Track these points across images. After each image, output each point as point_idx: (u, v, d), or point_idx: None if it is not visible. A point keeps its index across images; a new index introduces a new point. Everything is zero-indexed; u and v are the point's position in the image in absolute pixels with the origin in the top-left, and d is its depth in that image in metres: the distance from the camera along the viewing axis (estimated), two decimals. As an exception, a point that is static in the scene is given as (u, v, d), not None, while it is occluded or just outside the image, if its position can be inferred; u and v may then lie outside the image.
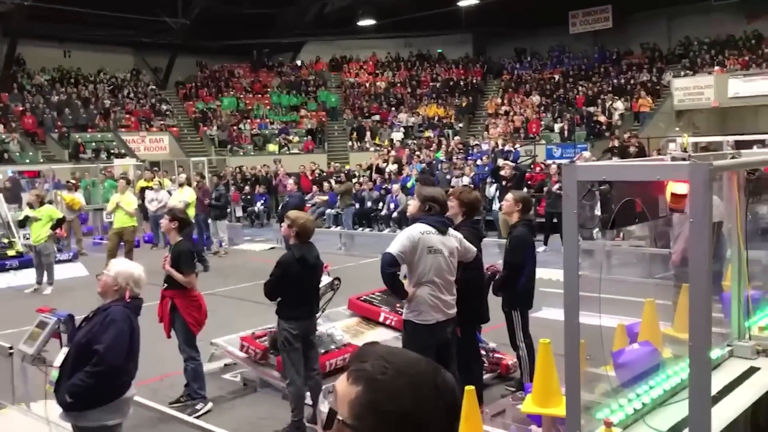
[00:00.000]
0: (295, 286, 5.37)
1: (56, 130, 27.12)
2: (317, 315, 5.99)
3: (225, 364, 7.11)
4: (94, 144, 27.08)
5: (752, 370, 3.75)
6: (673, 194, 3.00)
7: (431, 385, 1.06)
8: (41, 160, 24.48)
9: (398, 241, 4.78)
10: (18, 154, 25.01)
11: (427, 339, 4.79)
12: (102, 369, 3.70)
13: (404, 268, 4.90)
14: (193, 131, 30.93)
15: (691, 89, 23.72)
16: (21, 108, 27.49)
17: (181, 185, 14.35)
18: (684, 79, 24.62)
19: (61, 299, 10.11)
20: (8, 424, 5.75)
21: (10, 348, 5.58)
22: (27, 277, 11.89)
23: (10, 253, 13.41)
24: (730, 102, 22.66)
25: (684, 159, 3.13)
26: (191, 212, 13.58)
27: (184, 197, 13.76)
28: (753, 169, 3.90)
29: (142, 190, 17.36)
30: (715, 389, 3.49)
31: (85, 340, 3.76)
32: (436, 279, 4.76)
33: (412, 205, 5.30)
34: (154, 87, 33.06)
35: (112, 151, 26.61)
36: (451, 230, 5.01)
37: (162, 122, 30.19)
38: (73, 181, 17.07)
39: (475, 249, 5.19)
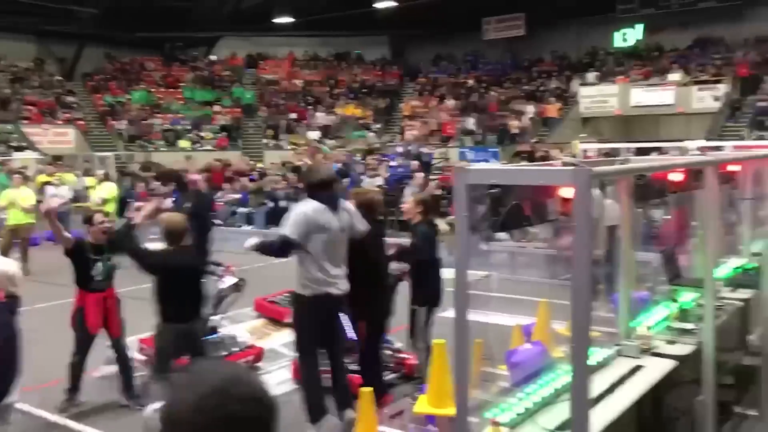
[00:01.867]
0: (172, 289, 5.23)
1: (-51, 121, 25.57)
2: (212, 318, 5.90)
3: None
4: (-9, 136, 25.64)
5: (637, 368, 3.92)
6: (562, 198, 3.09)
7: (218, 395, 1.04)
8: (-69, 152, 22.99)
9: (290, 221, 4.85)
10: None
11: (314, 313, 4.91)
12: None
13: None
14: (100, 125, 29.74)
15: (596, 97, 24.72)
16: None
17: (100, 181, 13.88)
18: (590, 87, 25.63)
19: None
20: None
21: None
22: None
23: None
24: (632, 111, 23.75)
25: (574, 165, 3.23)
26: (111, 208, 13.03)
27: (102, 193, 13.31)
28: (640, 175, 4.07)
29: (44, 185, 16.59)
30: (602, 387, 3.63)
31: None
32: (325, 254, 4.84)
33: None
34: (59, 78, 31.59)
35: (11, 144, 25.26)
36: (344, 204, 5.07)
37: (67, 115, 28.88)
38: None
39: (365, 226, 5.23)
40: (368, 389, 3.62)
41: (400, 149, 21.93)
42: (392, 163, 19.63)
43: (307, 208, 4.88)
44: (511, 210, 2.66)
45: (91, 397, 6.15)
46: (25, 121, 27.39)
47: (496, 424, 2.79)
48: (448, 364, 3.70)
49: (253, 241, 5.04)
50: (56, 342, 6.46)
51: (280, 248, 4.91)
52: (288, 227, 4.82)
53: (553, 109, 25.87)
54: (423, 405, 3.71)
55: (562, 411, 3.26)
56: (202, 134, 29.41)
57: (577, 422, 2.52)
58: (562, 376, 3.57)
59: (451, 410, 3.26)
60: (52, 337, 6.63)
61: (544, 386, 3.42)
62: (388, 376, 6.10)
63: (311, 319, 4.98)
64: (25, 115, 27.81)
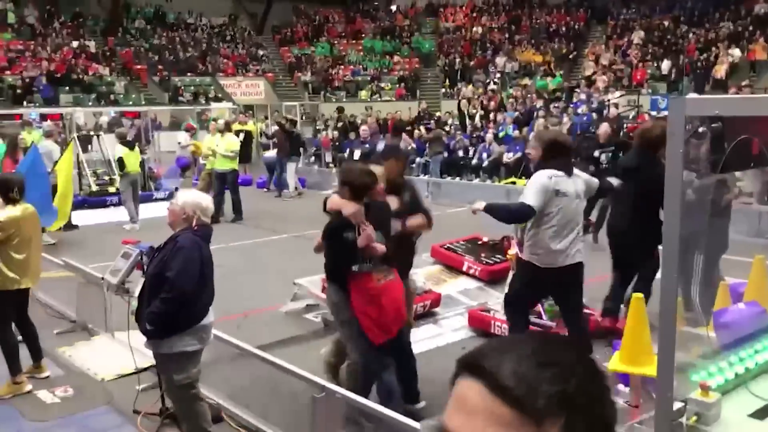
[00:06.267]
0: None
1: (157, 74, 28.00)
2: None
3: (307, 305, 7.14)
4: (192, 88, 27.83)
5: None
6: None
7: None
8: (143, 102, 25.40)
9: (532, 192, 4.60)
10: (122, 95, 26.12)
11: (539, 279, 4.79)
12: (174, 295, 3.76)
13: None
14: (287, 77, 31.22)
15: (817, 36, 21.71)
16: (125, 50, 28.56)
17: (221, 131, 12.48)
18: (810, 24, 22.55)
19: (152, 234, 10.42)
20: (100, 349, 6.00)
21: (102, 278, 5.79)
22: (125, 213, 12.26)
23: (111, 189, 13.99)
24: None
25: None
26: (234, 164, 12.63)
27: (232, 145, 12.41)
28: None
29: (237, 133, 17.73)
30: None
31: (158, 269, 3.83)
32: (559, 223, 4.62)
33: (534, 150, 5.02)
34: (251, 32, 33.44)
35: (210, 96, 27.29)
36: (576, 171, 4.82)
37: (258, 67, 30.60)
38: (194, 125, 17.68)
39: (596, 180, 5.10)
40: (639, 294, 3.45)
41: (583, 96, 20.82)
42: (578, 111, 18.66)
43: (545, 175, 4.64)
44: (738, 146, 2.27)
45: (276, 331, 6.48)
46: (221, 74, 29.42)
47: (705, 387, 2.47)
48: (647, 320, 3.37)
49: (482, 203, 4.72)
50: (243, 278, 6.86)
51: (514, 213, 4.74)
52: (529, 195, 4.60)
53: (761, 50, 23.07)
54: (616, 363, 3.42)
55: (782, 381, 2.85)
56: (382, 85, 29.86)
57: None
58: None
59: (648, 369, 2.96)
60: (241, 271, 7.06)
61: (761, 352, 3.00)
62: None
63: (530, 287, 4.93)
64: (221, 68, 29.85)
